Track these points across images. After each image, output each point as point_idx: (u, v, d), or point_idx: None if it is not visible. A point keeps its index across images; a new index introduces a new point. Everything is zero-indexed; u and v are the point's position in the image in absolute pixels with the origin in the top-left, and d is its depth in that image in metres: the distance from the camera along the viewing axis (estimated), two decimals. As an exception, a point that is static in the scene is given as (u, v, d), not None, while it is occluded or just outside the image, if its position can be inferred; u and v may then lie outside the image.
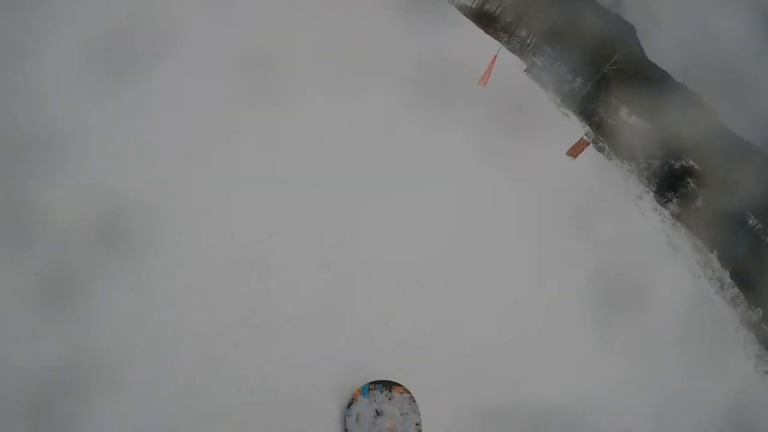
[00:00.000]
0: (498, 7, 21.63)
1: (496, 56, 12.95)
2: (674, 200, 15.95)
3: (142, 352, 4.56)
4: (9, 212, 5.01)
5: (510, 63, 15.10)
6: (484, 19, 20.74)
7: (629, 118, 17.03)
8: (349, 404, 4.83)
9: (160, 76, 7.38)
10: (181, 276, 5.29)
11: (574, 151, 13.09)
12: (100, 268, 4.92)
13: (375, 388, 4.91)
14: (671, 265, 8.70)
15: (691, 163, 16.22)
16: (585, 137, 14.16)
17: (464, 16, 20.46)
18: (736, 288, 11.51)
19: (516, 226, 8.11)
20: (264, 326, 5.17)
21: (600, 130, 16.96)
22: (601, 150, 15.84)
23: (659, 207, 14.44)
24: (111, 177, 5.85)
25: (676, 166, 16.34)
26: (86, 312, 4.63)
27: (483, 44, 17.49)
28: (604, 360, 6.29)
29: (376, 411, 4.79)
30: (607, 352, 6.36)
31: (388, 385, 4.92)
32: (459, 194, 8.20)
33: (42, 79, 6.58)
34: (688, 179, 16.33)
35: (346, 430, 4.66)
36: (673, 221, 13.85)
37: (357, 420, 4.71)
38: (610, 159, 15.68)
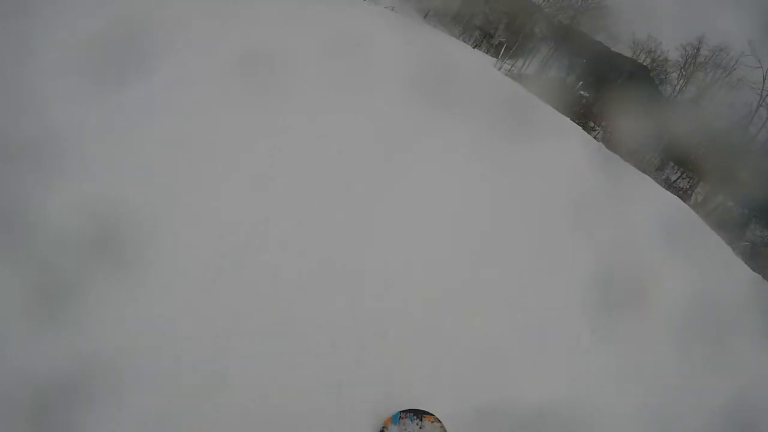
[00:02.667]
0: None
1: None
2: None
3: (143, 357, 4.42)
4: (7, 215, 4.87)
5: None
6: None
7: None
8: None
9: (158, 80, 7.23)
10: (182, 280, 5.14)
11: None
12: (99, 272, 4.78)
13: (406, 417, 4.75)
14: (671, 265, 7.92)
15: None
16: None
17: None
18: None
19: (512, 226, 7.76)
20: (266, 335, 5.00)
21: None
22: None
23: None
24: (109, 180, 5.75)
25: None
26: (85, 316, 4.50)
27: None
28: (601, 359, 6.03)
29: None
30: (604, 351, 6.08)
31: (419, 414, 4.76)
32: (456, 195, 7.88)
33: (40, 81, 6.45)
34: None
35: None
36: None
37: None
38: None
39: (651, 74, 18.10)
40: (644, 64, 18.21)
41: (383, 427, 4.70)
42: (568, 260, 7.31)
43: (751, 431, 5.89)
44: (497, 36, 23.79)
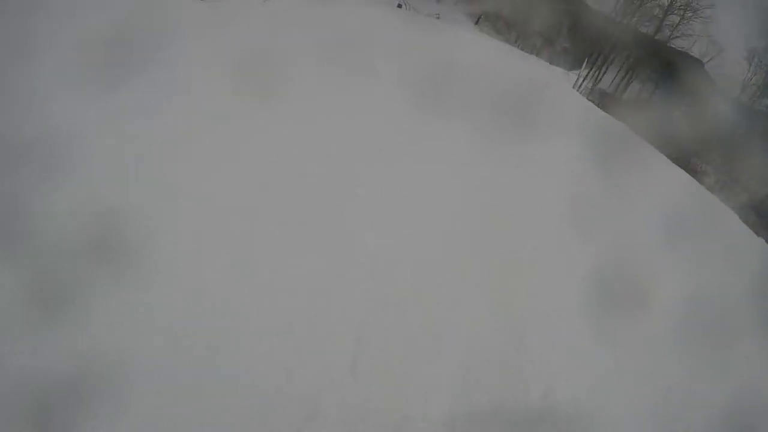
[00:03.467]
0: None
1: None
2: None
3: (145, 358, 4.39)
4: (8, 216, 4.91)
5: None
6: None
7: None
8: None
9: (159, 81, 7.38)
10: (184, 280, 5.12)
11: None
12: (100, 273, 4.76)
13: None
14: (671, 263, 7.83)
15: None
16: None
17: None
18: None
19: (510, 223, 7.79)
20: (269, 336, 4.96)
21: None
22: None
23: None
24: (110, 182, 5.78)
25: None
26: (86, 318, 4.49)
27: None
28: (599, 358, 5.93)
29: None
30: (602, 351, 5.99)
31: None
32: (455, 192, 7.92)
33: (39, 82, 6.57)
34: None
35: None
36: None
37: None
38: None
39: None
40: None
41: None
42: (570, 259, 7.23)
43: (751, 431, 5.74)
44: (559, 41, 20.94)
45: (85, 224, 5.15)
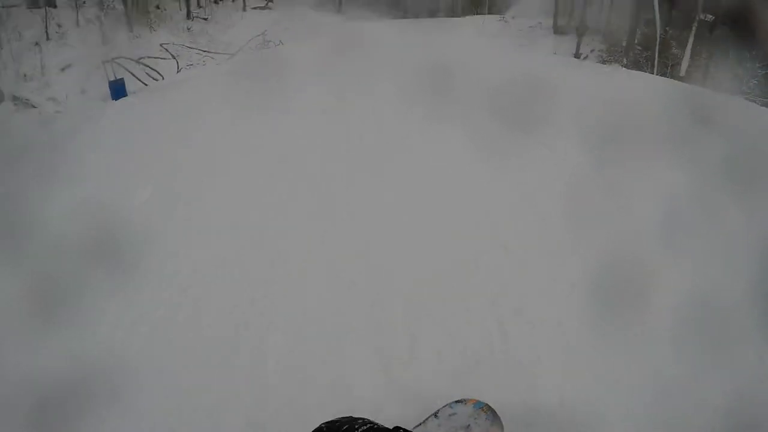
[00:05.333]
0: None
1: None
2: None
3: (141, 363, 4.37)
4: (5, 218, 5.08)
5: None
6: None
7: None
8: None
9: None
10: (180, 284, 5.15)
11: None
12: (100, 275, 4.85)
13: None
14: (671, 262, 6.80)
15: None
16: None
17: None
18: None
19: (510, 221, 7.04)
20: (271, 337, 4.86)
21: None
22: None
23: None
24: (109, 182, 5.98)
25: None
26: (84, 322, 4.57)
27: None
28: (598, 359, 5.35)
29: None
30: (600, 351, 5.40)
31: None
32: (456, 192, 7.19)
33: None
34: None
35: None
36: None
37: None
38: None
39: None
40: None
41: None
42: (569, 255, 6.57)
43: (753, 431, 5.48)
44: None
45: (87, 224, 5.12)
